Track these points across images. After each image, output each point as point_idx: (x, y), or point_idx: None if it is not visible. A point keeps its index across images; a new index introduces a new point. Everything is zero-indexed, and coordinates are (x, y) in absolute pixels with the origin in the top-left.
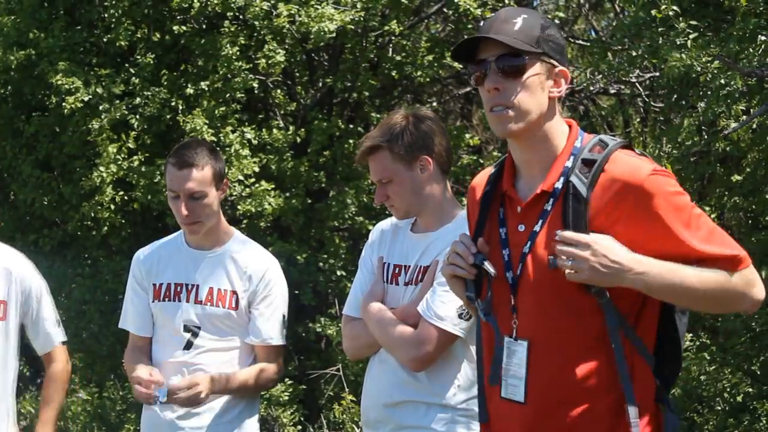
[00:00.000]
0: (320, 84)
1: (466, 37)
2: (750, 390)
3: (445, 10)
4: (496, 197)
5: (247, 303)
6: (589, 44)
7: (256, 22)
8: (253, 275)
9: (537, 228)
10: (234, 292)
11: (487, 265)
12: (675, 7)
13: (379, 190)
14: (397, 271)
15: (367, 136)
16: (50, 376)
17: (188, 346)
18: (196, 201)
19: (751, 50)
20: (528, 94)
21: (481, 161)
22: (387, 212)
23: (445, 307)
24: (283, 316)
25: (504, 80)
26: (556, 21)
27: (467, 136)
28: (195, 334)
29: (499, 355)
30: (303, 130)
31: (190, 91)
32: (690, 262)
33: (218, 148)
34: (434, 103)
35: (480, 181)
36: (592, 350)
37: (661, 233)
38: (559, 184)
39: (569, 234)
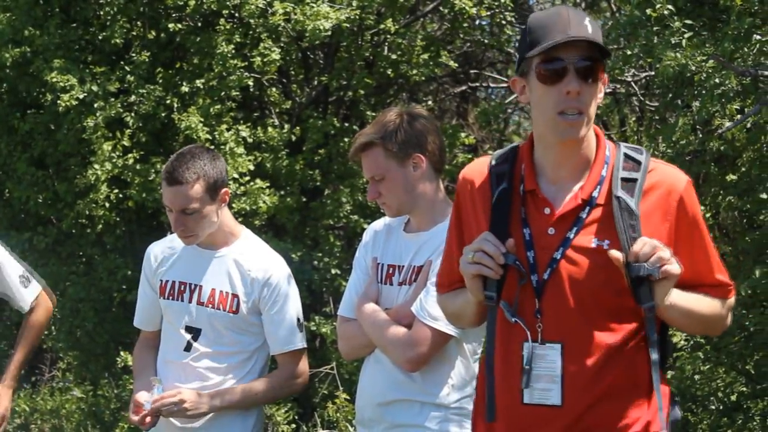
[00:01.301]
0: (315, 82)
1: (461, 35)
2: (744, 389)
3: (440, 8)
4: (515, 195)
5: (251, 308)
6: None
7: (252, 20)
8: (257, 280)
9: (570, 235)
10: (235, 296)
11: (520, 266)
12: (670, 6)
13: (371, 187)
14: (390, 272)
15: (361, 133)
16: (25, 323)
17: (188, 347)
18: (189, 216)
19: (745, 50)
20: (596, 101)
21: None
22: (382, 211)
23: (438, 307)
24: (298, 319)
25: (582, 84)
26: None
27: (462, 135)
28: (195, 337)
29: (530, 358)
30: (298, 128)
31: (185, 89)
32: (697, 281)
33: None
34: (430, 102)
35: (475, 173)
36: (628, 352)
37: (698, 241)
38: (596, 193)
39: (648, 240)
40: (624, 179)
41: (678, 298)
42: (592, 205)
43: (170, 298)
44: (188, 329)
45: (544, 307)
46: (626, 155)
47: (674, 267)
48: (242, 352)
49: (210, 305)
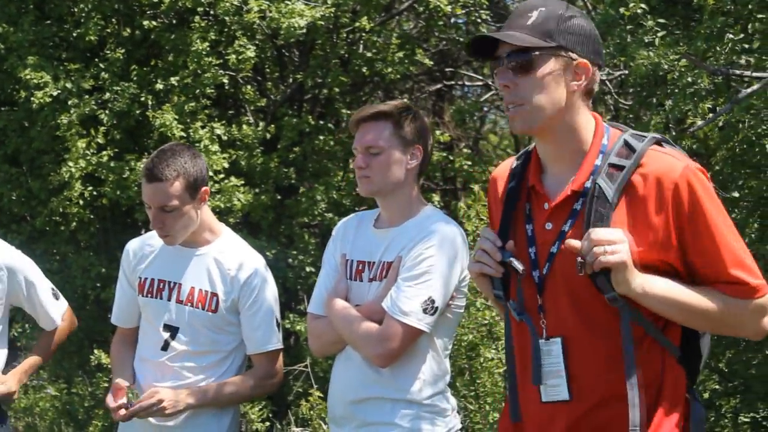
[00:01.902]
0: (290, 80)
1: (436, 33)
2: (717, 387)
3: (416, 6)
4: (522, 192)
5: (230, 307)
6: None
7: (227, 18)
8: (236, 279)
9: (566, 228)
10: (215, 294)
11: (515, 263)
12: (643, 5)
13: (363, 157)
14: (360, 268)
15: (374, 105)
16: (53, 330)
17: (165, 346)
18: (168, 213)
19: (718, 49)
20: (541, 91)
21: (452, 158)
22: (356, 209)
23: (409, 303)
24: (275, 319)
25: (516, 77)
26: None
27: (438, 132)
28: (173, 336)
29: (538, 354)
30: (273, 126)
31: (159, 86)
32: (711, 276)
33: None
34: (405, 100)
35: (501, 172)
36: (637, 347)
37: (705, 232)
38: (588, 183)
39: (601, 229)
40: (613, 165)
41: (655, 288)
42: (586, 196)
43: (149, 295)
44: (166, 328)
45: (546, 303)
46: (625, 141)
47: (611, 257)
48: (219, 352)
49: (189, 303)
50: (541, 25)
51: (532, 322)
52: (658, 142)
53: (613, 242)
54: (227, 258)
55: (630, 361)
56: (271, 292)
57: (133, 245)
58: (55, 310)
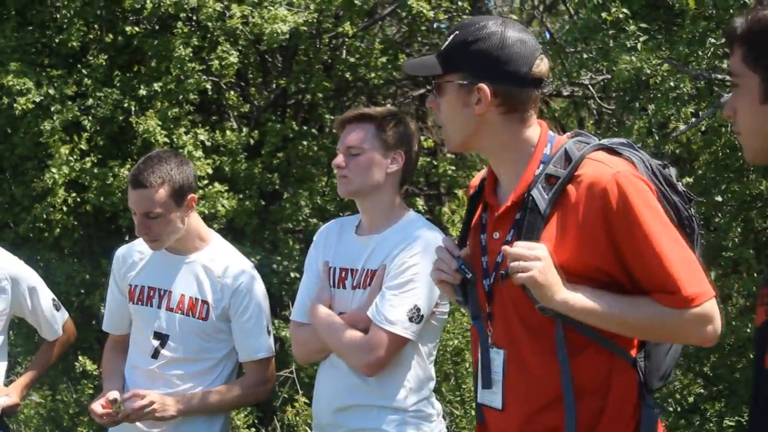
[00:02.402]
0: (274, 86)
1: (419, 39)
2: (701, 391)
3: (398, 12)
4: (480, 202)
5: (220, 315)
6: (541, 46)
7: (209, 24)
8: (227, 287)
9: (509, 237)
10: (205, 302)
11: (465, 270)
12: (625, 10)
13: (342, 157)
14: (343, 275)
15: (360, 107)
16: (54, 341)
17: (155, 354)
18: (153, 220)
19: (700, 53)
20: (448, 114)
21: (435, 163)
22: (340, 214)
23: (395, 311)
24: (267, 327)
25: (436, 99)
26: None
27: (422, 138)
28: (163, 343)
29: (488, 359)
30: (256, 131)
31: (142, 92)
32: (649, 285)
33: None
34: (389, 105)
35: (474, 181)
36: (577, 359)
37: (640, 241)
38: (527, 194)
39: (521, 243)
40: (549, 175)
41: (580, 302)
42: (526, 206)
43: (139, 303)
44: (156, 335)
45: (494, 311)
46: (566, 151)
47: (521, 275)
48: (210, 359)
49: (179, 311)
50: (448, 51)
51: (482, 328)
52: (605, 148)
53: (527, 259)
54: (217, 265)
55: (565, 368)
56: (261, 299)
57: (122, 252)
58: (57, 320)
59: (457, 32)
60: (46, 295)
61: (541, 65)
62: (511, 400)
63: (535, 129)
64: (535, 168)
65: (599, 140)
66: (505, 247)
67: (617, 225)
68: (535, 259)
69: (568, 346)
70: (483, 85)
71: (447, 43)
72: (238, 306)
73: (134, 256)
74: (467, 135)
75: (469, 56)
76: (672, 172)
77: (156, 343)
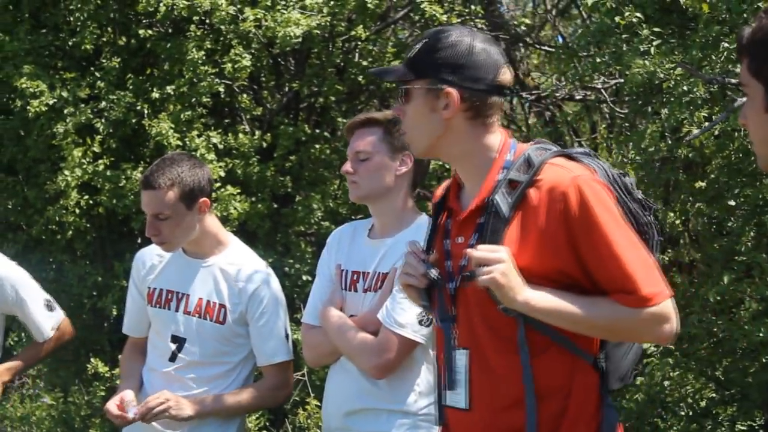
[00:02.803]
0: (286, 89)
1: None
2: (713, 395)
3: (411, 15)
4: (445, 209)
5: (238, 319)
6: (554, 50)
7: (222, 27)
8: (244, 291)
9: (473, 241)
10: (222, 306)
11: (432, 273)
12: (639, 14)
13: (351, 163)
14: (355, 278)
15: (368, 112)
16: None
17: (173, 357)
18: (162, 222)
19: (713, 57)
20: (415, 120)
21: (447, 166)
22: (353, 217)
23: (405, 314)
24: (285, 331)
25: (403, 106)
26: (522, 27)
27: None
28: (180, 347)
29: (451, 361)
30: (269, 134)
31: (155, 95)
32: (608, 286)
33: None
34: None
35: (438, 190)
36: (540, 359)
37: (599, 243)
38: (489, 199)
39: (484, 246)
40: (512, 181)
41: (540, 301)
42: (489, 210)
43: (157, 306)
44: (174, 339)
45: (459, 314)
46: (527, 157)
47: (483, 277)
48: (227, 363)
49: (197, 315)
50: (416, 58)
51: (448, 330)
52: (565, 155)
53: (489, 262)
54: (235, 269)
55: (527, 369)
56: (279, 303)
57: (143, 255)
58: (46, 321)
59: (425, 40)
60: (35, 296)
61: (506, 74)
62: (476, 399)
63: (498, 135)
64: (496, 173)
65: (560, 149)
66: (469, 250)
67: (576, 227)
68: (497, 262)
69: (530, 347)
70: (451, 90)
71: (415, 50)
72: (256, 310)
73: (153, 259)
74: (433, 140)
75: (437, 62)
76: (630, 180)
77: (173, 346)
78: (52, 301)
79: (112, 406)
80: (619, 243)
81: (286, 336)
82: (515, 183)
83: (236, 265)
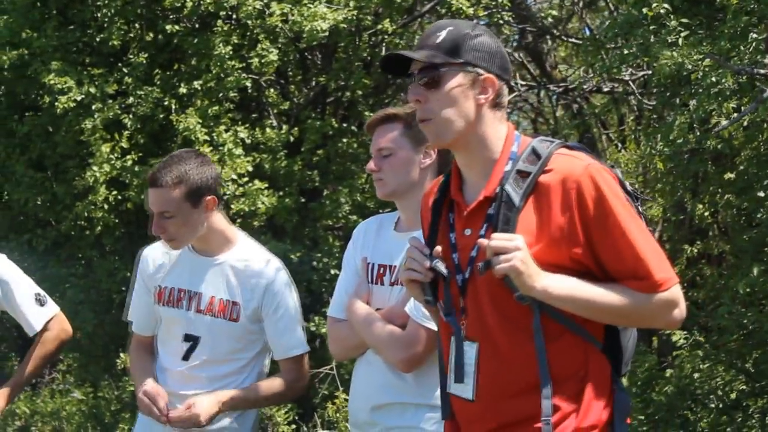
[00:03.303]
0: (313, 83)
1: None
2: (744, 387)
3: (438, 8)
4: (446, 204)
5: (251, 315)
6: (582, 42)
7: (249, 22)
8: (257, 287)
9: (482, 232)
10: (235, 303)
11: (440, 266)
12: (666, 5)
13: (374, 160)
14: (381, 271)
15: (387, 108)
16: (38, 338)
17: (186, 356)
18: (168, 219)
19: (742, 48)
20: (449, 105)
21: None
22: (380, 211)
23: None
24: (300, 323)
25: (426, 92)
26: (549, 20)
27: None
28: (193, 346)
29: (461, 354)
30: (296, 129)
31: (183, 90)
32: (621, 273)
33: (209, 154)
34: None
35: (430, 190)
36: (552, 348)
37: (614, 230)
38: (499, 189)
39: (499, 234)
40: (520, 171)
41: (557, 287)
42: (500, 200)
43: (169, 304)
44: (187, 337)
45: (467, 305)
46: (533, 148)
47: (503, 265)
48: (240, 359)
49: (210, 313)
50: (448, 43)
51: (456, 323)
52: (567, 147)
53: (507, 250)
54: (246, 265)
55: (542, 355)
56: (293, 296)
57: (149, 252)
58: (36, 315)
59: (449, 28)
60: (24, 289)
61: None
62: (483, 389)
63: (505, 127)
64: (504, 164)
65: (561, 141)
66: (482, 240)
67: (591, 215)
68: (515, 249)
69: (545, 334)
70: (491, 76)
71: (442, 36)
72: (270, 305)
73: (163, 257)
74: (464, 127)
75: (474, 48)
76: (619, 173)
77: (186, 345)
78: (43, 296)
79: (151, 387)
80: (632, 230)
81: (303, 328)
82: (524, 173)
83: (247, 261)
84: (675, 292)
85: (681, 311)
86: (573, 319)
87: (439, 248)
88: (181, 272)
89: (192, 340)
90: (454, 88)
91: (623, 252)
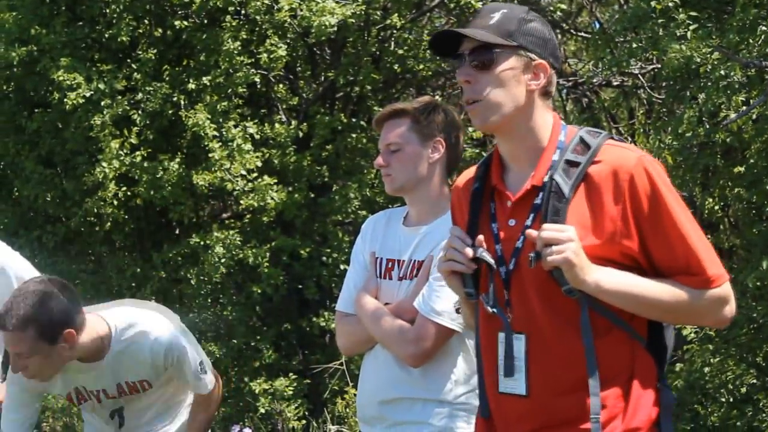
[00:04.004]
0: (322, 78)
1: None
2: (754, 381)
3: (446, 2)
4: (486, 193)
5: (162, 377)
6: (591, 36)
7: (258, 17)
8: (156, 365)
9: (528, 222)
10: (143, 380)
11: (487, 257)
12: None
13: (383, 155)
14: (390, 266)
15: (394, 104)
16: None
17: (120, 426)
18: (26, 359)
19: (751, 41)
20: (500, 88)
21: (484, 155)
22: (389, 206)
23: (441, 302)
24: (200, 368)
25: (476, 73)
26: (558, 13)
27: (471, 129)
28: (122, 421)
29: (510, 347)
30: (305, 124)
31: (192, 86)
32: (672, 268)
33: (218, 150)
34: (437, 97)
35: (464, 180)
36: (602, 342)
37: (667, 224)
38: (547, 178)
39: (550, 225)
40: (568, 161)
41: (609, 281)
42: (545, 190)
43: (82, 401)
44: (112, 414)
45: (512, 298)
46: (581, 138)
47: (556, 257)
48: (166, 401)
49: (123, 394)
50: (502, 25)
51: (504, 315)
52: (613, 138)
53: (560, 241)
54: (136, 350)
55: (590, 351)
56: (189, 351)
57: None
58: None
59: (504, 10)
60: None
61: None
62: (535, 385)
63: (551, 116)
64: (551, 154)
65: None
66: (530, 231)
67: (644, 208)
68: (568, 240)
69: (593, 329)
70: (544, 63)
71: (497, 18)
72: (174, 369)
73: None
74: (513, 111)
75: (529, 33)
76: None
77: (115, 420)
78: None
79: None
80: (684, 224)
81: (203, 370)
82: (574, 163)
83: (134, 346)
84: (726, 288)
85: (731, 308)
86: (620, 315)
87: (481, 237)
88: (82, 378)
89: (119, 416)
90: (506, 70)
91: (676, 246)
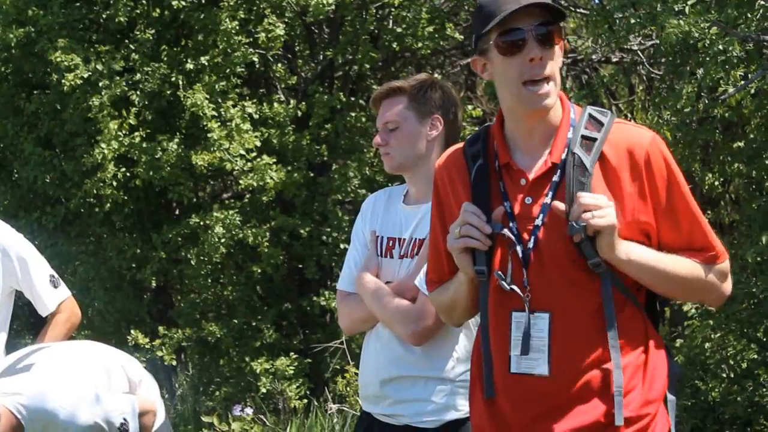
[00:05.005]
0: (321, 57)
1: (467, 8)
2: (755, 357)
3: None
4: (492, 171)
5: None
6: (589, 12)
7: None
8: None
9: (548, 200)
10: None
11: (508, 233)
12: None
13: (381, 134)
14: (390, 244)
15: (390, 82)
16: (51, 320)
17: None
18: None
19: (749, 15)
20: (558, 64)
21: None
22: (389, 184)
23: None
24: (50, 275)
25: (542, 50)
26: None
27: (470, 107)
28: None
29: (528, 326)
30: (304, 103)
31: (190, 66)
32: (684, 244)
33: (217, 129)
34: (437, 75)
35: (448, 160)
36: (621, 317)
37: (679, 201)
38: (565, 155)
39: (585, 194)
40: (584, 137)
41: (638, 254)
42: (564, 167)
43: None
44: None
45: (531, 277)
46: (591, 116)
47: (601, 220)
48: None
49: None
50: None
51: (521, 294)
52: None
53: (599, 207)
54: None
55: (612, 323)
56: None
57: None
58: (51, 296)
59: None
60: (40, 269)
61: None
62: (558, 364)
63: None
64: (566, 131)
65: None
66: (556, 203)
67: (659, 185)
68: (608, 206)
69: (614, 304)
70: (564, 42)
71: None
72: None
73: None
74: (559, 87)
75: (562, 10)
76: None
77: None
78: (57, 278)
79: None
80: (692, 202)
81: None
82: (589, 139)
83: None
84: (728, 264)
85: (730, 285)
86: (631, 290)
87: (499, 211)
88: None
89: None
90: (559, 46)
91: (685, 223)
